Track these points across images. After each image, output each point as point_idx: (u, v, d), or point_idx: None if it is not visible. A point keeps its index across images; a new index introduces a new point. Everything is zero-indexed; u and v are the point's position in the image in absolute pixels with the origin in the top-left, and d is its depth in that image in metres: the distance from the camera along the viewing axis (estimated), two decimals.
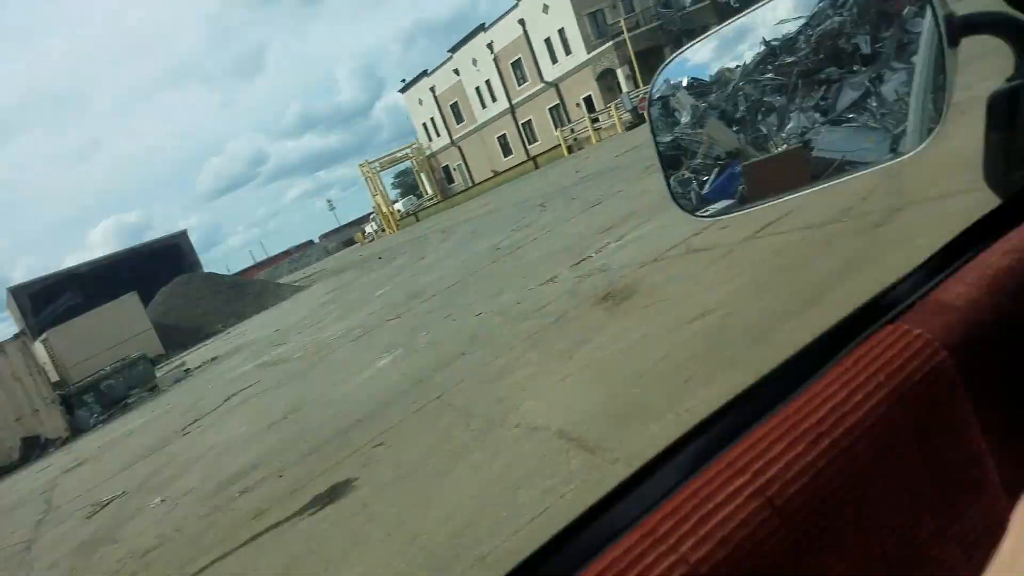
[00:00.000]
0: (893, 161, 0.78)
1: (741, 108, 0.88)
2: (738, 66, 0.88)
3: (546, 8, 37.30)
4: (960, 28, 0.67)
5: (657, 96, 0.94)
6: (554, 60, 38.75)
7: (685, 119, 0.92)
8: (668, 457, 0.58)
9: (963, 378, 0.61)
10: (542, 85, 40.20)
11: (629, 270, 6.21)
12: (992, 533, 0.63)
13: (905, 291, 0.67)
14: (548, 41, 38.61)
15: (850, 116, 0.84)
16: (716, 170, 0.93)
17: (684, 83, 0.91)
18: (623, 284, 5.83)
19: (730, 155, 0.89)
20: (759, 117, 0.87)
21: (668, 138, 0.95)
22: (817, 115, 0.87)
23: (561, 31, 37.30)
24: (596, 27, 36.09)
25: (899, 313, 0.64)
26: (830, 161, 0.85)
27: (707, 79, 0.89)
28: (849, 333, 0.64)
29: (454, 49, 45.95)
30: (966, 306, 0.63)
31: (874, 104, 0.80)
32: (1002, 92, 0.71)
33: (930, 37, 0.70)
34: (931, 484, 0.60)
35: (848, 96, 0.84)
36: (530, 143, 43.23)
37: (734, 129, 0.90)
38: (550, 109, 40.72)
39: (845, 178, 0.82)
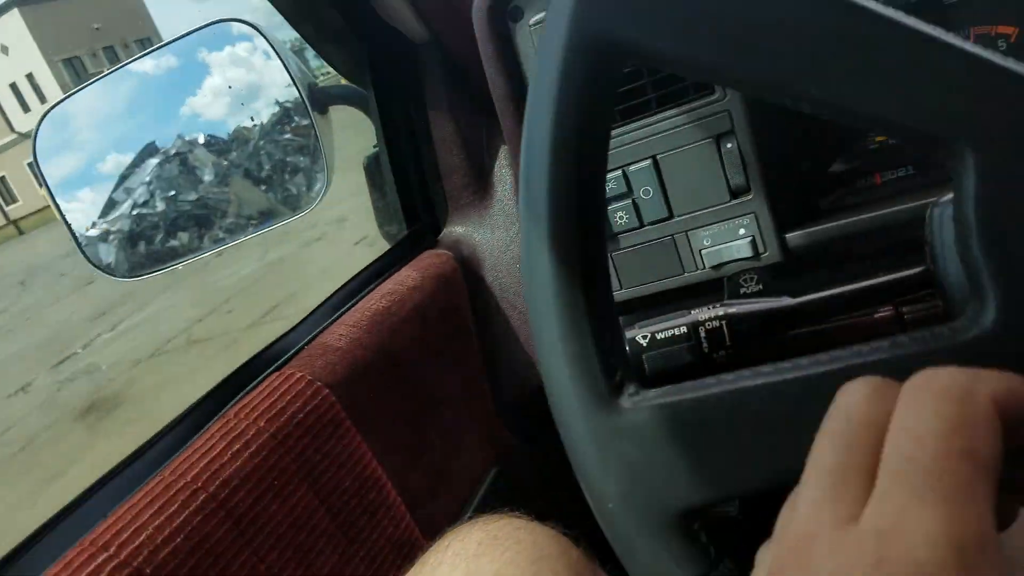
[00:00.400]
0: (294, 216, 0.83)
1: (266, 167, 0.87)
2: (255, 125, 0.86)
3: (5, 49, 32.05)
4: (324, 99, 0.75)
5: (174, 152, 0.88)
6: (26, 109, 33.36)
7: (209, 177, 0.88)
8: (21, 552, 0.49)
9: (348, 411, 0.66)
10: (15, 136, 34.10)
11: (121, 369, 5.54)
12: (400, 547, 0.69)
13: (296, 339, 0.70)
14: (15, 86, 33.14)
15: (264, 177, 0.87)
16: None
17: (201, 140, 0.86)
18: (112, 390, 5.16)
19: (263, 214, 0.88)
20: (287, 176, 0.87)
21: (193, 196, 0.89)
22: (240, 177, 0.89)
23: (31, 76, 32.45)
24: (76, 75, 32.37)
25: (287, 360, 0.67)
26: (243, 217, 0.87)
27: (226, 136, 0.86)
28: (239, 385, 0.65)
29: None
30: (347, 346, 0.68)
31: (271, 168, 0.84)
32: (372, 156, 0.81)
33: (302, 107, 0.77)
34: (330, 515, 0.63)
35: (254, 161, 0.87)
36: (7, 204, 36.03)
37: (263, 188, 0.89)
38: (29, 164, 34.61)
39: (254, 233, 0.85)
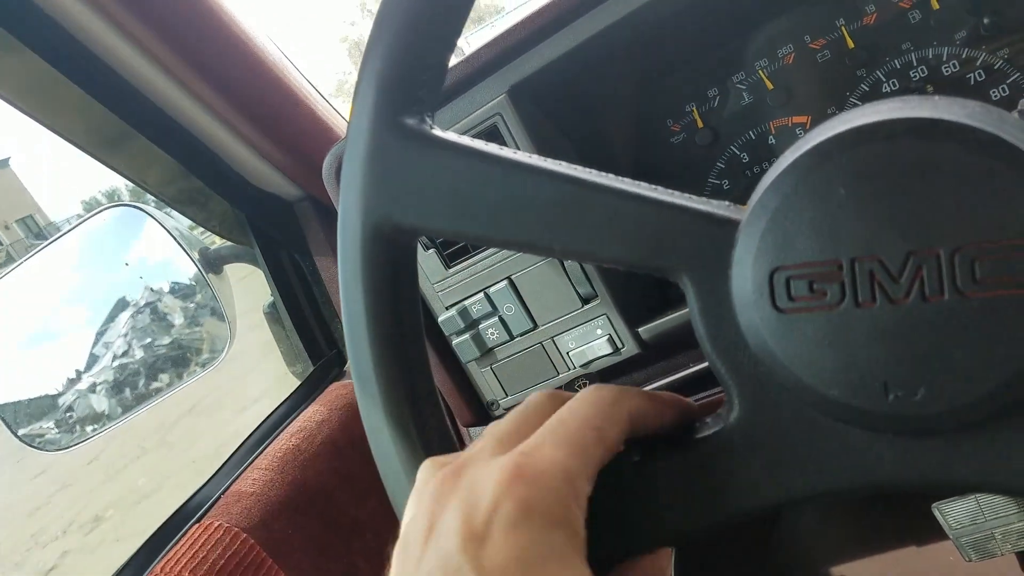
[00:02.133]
0: (204, 372, 0.88)
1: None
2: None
3: None
4: (216, 260, 0.82)
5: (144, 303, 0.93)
6: None
7: (179, 321, 0.94)
8: None
9: (270, 551, 0.69)
10: None
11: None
12: None
13: (212, 490, 0.74)
14: None
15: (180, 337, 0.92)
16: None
17: (167, 288, 0.93)
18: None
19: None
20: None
21: (167, 340, 0.94)
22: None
23: None
24: None
25: (205, 511, 0.70)
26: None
27: (188, 281, 0.92)
28: (163, 541, 0.68)
29: None
30: (261, 489, 0.72)
31: (179, 326, 0.90)
32: (271, 303, 0.87)
33: (201, 272, 0.83)
34: None
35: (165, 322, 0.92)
36: None
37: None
38: None
39: (172, 392, 0.89)
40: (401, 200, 0.34)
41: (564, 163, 0.33)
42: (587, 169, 0.33)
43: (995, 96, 0.61)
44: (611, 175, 0.33)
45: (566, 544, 0.28)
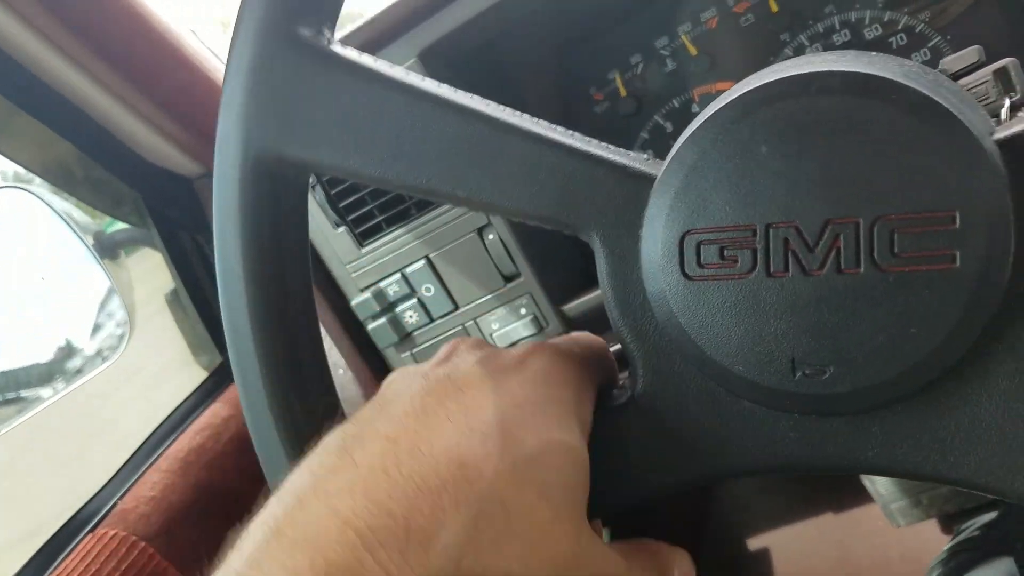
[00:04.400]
0: (104, 366, 0.81)
1: None
2: None
3: None
4: (111, 245, 0.75)
5: None
6: None
7: None
8: None
9: (172, 559, 0.63)
10: None
11: None
12: None
13: (108, 495, 0.67)
14: None
15: None
16: None
17: None
18: None
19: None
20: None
21: None
22: None
23: None
24: None
25: (100, 521, 0.64)
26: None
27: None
28: (50, 556, 0.61)
29: None
30: (161, 493, 0.67)
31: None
32: (174, 290, 0.81)
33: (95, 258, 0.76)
34: None
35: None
36: None
37: None
38: None
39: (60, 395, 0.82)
40: (289, 128, 0.29)
41: (479, 98, 0.30)
42: (503, 107, 0.30)
43: (917, 59, 0.60)
44: (528, 116, 0.29)
45: (575, 413, 0.29)
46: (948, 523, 0.83)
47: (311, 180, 0.61)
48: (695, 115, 0.64)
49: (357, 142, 0.29)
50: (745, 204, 0.25)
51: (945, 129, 0.23)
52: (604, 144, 0.29)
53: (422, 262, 0.63)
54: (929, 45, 0.60)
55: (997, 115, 0.38)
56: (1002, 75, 0.39)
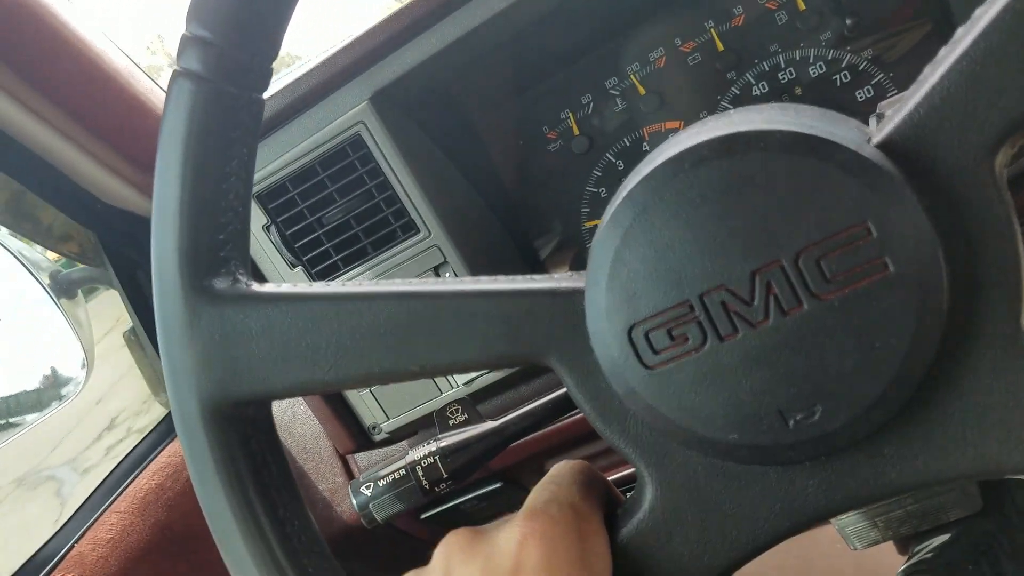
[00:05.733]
0: (61, 406, 0.80)
1: None
2: None
3: None
4: (68, 284, 0.74)
5: None
6: None
7: None
8: None
9: None
10: None
11: None
12: None
13: (65, 539, 0.67)
14: None
15: None
16: None
17: None
18: None
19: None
20: None
21: None
22: None
23: None
24: None
25: (55, 565, 0.63)
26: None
27: None
28: None
29: None
30: (119, 536, 0.66)
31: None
32: (132, 327, 0.81)
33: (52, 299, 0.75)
34: None
35: None
36: None
37: None
38: None
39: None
40: (235, 372, 0.31)
41: (399, 280, 0.31)
42: (420, 280, 0.31)
43: (860, 97, 0.62)
44: (448, 278, 0.32)
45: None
46: (904, 544, 0.84)
47: (266, 222, 0.62)
48: (646, 152, 0.66)
49: (303, 360, 0.30)
50: (670, 284, 0.26)
51: (822, 153, 0.24)
52: (529, 276, 0.30)
53: None
54: (873, 82, 0.61)
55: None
56: None
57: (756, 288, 0.25)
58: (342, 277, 0.63)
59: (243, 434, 0.32)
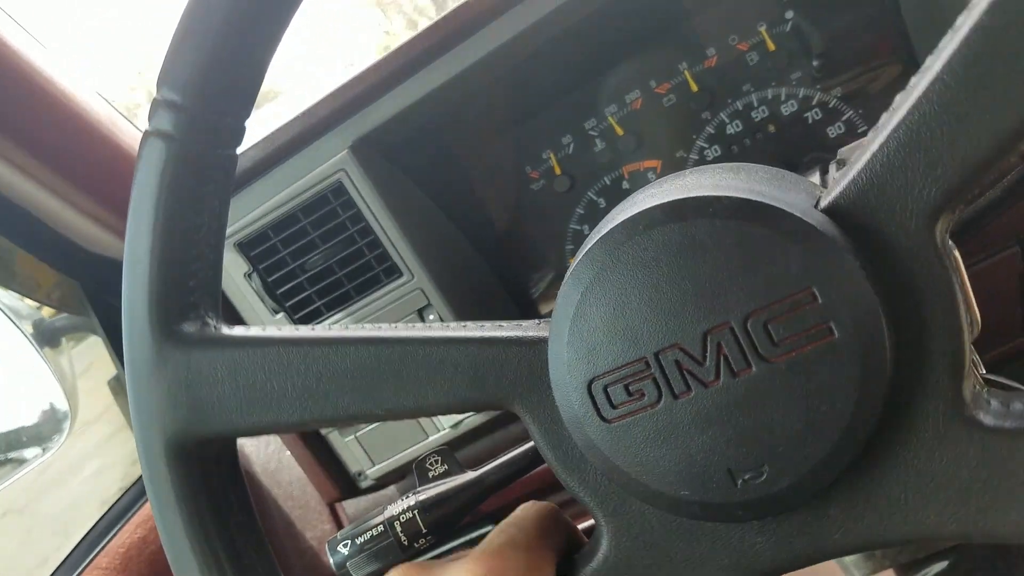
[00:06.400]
0: (44, 457, 0.79)
1: None
2: None
3: None
4: (51, 333, 0.74)
5: None
6: None
7: None
8: None
9: None
10: None
11: None
12: None
13: None
14: None
15: None
16: None
17: None
18: None
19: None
20: None
21: None
22: None
23: None
24: None
25: None
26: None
27: None
28: None
29: None
30: None
31: None
32: (116, 376, 0.80)
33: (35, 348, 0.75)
34: None
35: None
36: None
37: None
38: None
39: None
40: (200, 412, 0.31)
41: (368, 325, 0.32)
42: (388, 326, 0.32)
43: (832, 133, 0.63)
44: (417, 325, 0.31)
45: None
46: (903, 572, 0.83)
47: (247, 270, 0.62)
48: (626, 191, 0.67)
49: (267, 402, 0.31)
50: (628, 341, 0.27)
51: (769, 220, 0.25)
52: (496, 323, 0.30)
53: None
54: (844, 119, 0.63)
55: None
56: None
57: (708, 348, 0.26)
58: (326, 322, 0.63)
59: (205, 470, 0.32)
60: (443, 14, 0.58)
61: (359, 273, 0.61)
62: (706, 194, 0.26)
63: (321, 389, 0.30)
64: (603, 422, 0.27)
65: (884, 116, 0.25)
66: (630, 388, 0.27)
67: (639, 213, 0.26)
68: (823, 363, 0.25)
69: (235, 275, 0.61)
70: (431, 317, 0.62)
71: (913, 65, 0.60)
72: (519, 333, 0.30)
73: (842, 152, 0.43)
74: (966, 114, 0.23)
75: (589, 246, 0.27)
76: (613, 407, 0.27)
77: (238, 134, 0.32)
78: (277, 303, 0.62)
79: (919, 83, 0.24)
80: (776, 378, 0.25)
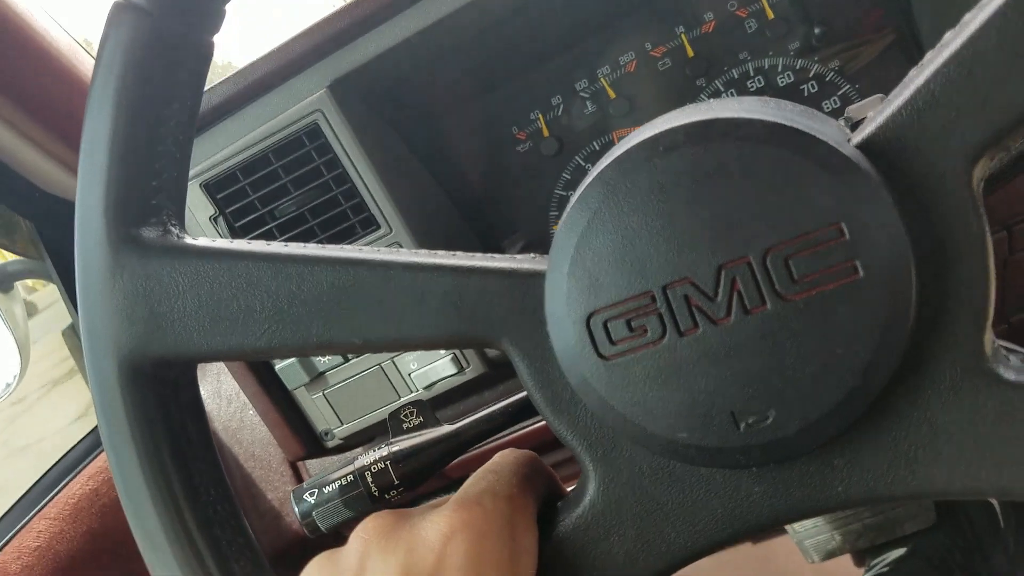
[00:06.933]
0: None
1: None
2: None
3: None
4: (3, 278, 0.70)
5: None
6: None
7: None
8: None
9: None
10: None
11: None
12: None
13: None
14: None
15: None
16: None
17: None
18: None
19: None
20: None
21: None
22: None
23: None
24: None
25: None
26: None
27: None
28: None
29: None
30: (47, 542, 0.62)
31: None
32: (71, 324, 0.77)
33: None
34: None
35: None
36: None
37: None
38: None
39: None
40: (157, 328, 0.28)
41: (348, 246, 0.29)
42: (370, 248, 0.29)
43: (827, 108, 0.62)
44: (402, 249, 0.30)
45: None
46: (860, 558, 0.84)
47: (213, 212, 0.59)
48: None
49: (233, 322, 0.28)
50: (634, 273, 0.25)
51: (801, 148, 0.23)
52: (488, 255, 0.28)
53: None
54: (839, 93, 0.61)
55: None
56: None
57: (721, 283, 0.24)
58: None
59: (162, 397, 0.30)
60: None
61: (333, 223, 0.58)
62: (735, 115, 0.24)
63: (293, 312, 0.28)
64: (600, 359, 0.26)
65: (930, 53, 0.24)
66: (632, 324, 0.25)
67: (660, 133, 0.24)
68: (844, 303, 0.23)
69: (200, 217, 0.58)
70: None
71: (911, 37, 0.59)
72: (513, 265, 0.28)
73: (850, 110, 0.42)
74: None
75: (601, 167, 0.25)
76: (612, 343, 0.25)
77: (218, 18, 0.29)
78: None
79: (974, 18, 0.22)
80: (792, 317, 0.24)
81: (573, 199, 0.26)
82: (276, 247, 0.29)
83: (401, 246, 0.59)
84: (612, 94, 0.64)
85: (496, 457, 0.33)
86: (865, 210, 0.23)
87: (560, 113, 0.65)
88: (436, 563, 0.27)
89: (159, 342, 0.28)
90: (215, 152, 0.56)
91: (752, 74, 0.62)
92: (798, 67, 0.61)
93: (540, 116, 0.66)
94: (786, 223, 0.23)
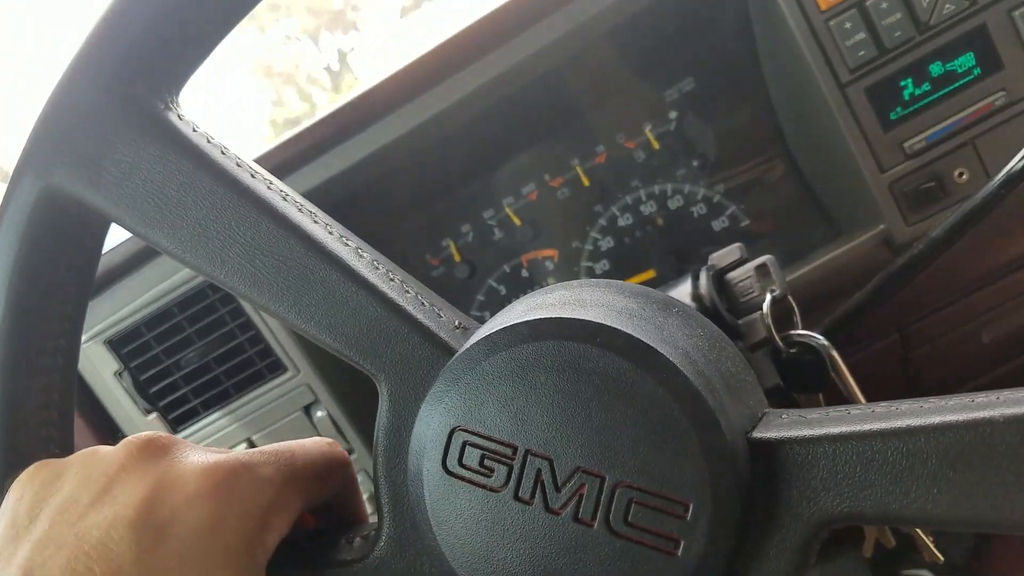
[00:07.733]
0: None
1: None
2: None
3: None
4: None
5: None
6: None
7: None
8: None
9: None
10: None
11: None
12: None
13: None
14: None
15: None
16: None
17: None
18: None
19: None
20: None
21: None
22: None
23: None
24: None
25: None
26: None
27: None
28: None
29: None
30: None
31: None
32: None
33: None
34: None
35: None
36: None
37: None
38: None
39: None
40: (98, 177, 0.28)
41: (312, 211, 0.29)
42: (331, 229, 0.29)
43: (717, 227, 0.65)
44: (356, 247, 0.29)
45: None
46: None
47: (118, 368, 0.58)
48: (526, 278, 0.67)
49: (164, 215, 0.28)
50: (514, 422, 0.26)
51: (702, 424, 0.24)
52: (425, 295, 0.29)
53: (242, 446, 0.60)
54: (727, 213, 0.65)
55: (760, 307, 0.41)
56: (762, 270, 0.43)
57: (572, 481, 0.25)
58: (202, 422, 0.59)
59: (64, 229, 0.29)
60: (340, 103, 0.58)
61: (239, 369, 0.58)
62: (675, 362, 0.25)
63: (221, 241, 0.28)
64: (442, 468, 0.26)
65: (897, 405, 0.24)
66: (485, 461, 0.26)
67: (602, 327, 0.25)
68: (651, 567, 0.24)
69: (104, 374, 0.57)
70: (319, 414, 0.60)
71: (790, 162, 0.64)
72: (433, 326, 0.28)
73: (712, 258, 0.44)
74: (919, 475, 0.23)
75: (537, 317, 0.26)
76: (460, 464, 0.26)
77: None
78: (150, 403, 0.58)
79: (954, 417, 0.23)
80: (606, 548, 0.25)
81: (509, 311, 0.27)
82: (244, 175, 0.29)
83: (311, 387, 0.59)
84: (517, 221, 0.66)
85: (308, 441, 0.31)
86: (717, 507, 0.24)
87: (471, 239, 0.68)
88: (172, 514, 0.25)
89: (92, 190, 0.28)
90: (119, 308, 0.56)
91: (644, 199, 0.65)
92: (687, 191, 0.65)
93: (451, 243, 0.68)
94: (651, 473, 0.24)
